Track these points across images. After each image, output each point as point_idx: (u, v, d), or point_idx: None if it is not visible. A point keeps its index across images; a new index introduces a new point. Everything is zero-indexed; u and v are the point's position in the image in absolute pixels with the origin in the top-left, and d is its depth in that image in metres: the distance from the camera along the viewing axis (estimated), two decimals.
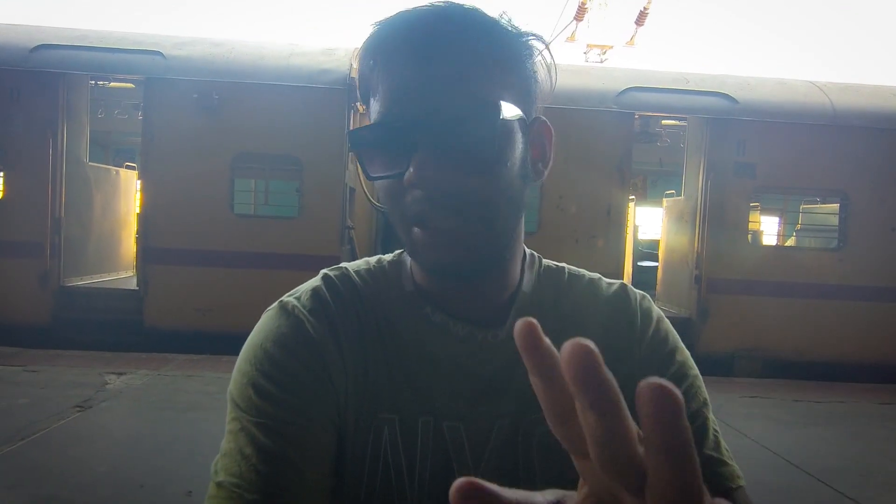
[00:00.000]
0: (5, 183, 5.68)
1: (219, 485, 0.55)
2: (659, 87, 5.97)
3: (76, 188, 5.92)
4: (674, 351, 0.66)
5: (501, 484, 0.70)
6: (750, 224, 6.19)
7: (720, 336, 5.71)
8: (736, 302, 5.75)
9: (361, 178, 5.89)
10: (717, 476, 0.61)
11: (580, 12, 13.86)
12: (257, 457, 0.55)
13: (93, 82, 6.87)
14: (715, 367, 5.38)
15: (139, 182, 6.12)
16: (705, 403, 0.65)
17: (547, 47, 0.63)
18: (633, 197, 8.85)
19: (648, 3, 13.58)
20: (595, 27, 14.44)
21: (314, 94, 5.43)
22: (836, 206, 6.27)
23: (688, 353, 0.68)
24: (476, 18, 0.58)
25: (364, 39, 0.59)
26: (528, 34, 0.61)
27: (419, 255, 0.59)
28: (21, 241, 5.45)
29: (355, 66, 5.64)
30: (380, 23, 0.59)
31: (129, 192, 7.41)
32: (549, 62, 0.63)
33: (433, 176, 0.54)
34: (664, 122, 8.53)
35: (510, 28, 0.60)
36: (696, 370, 0.67)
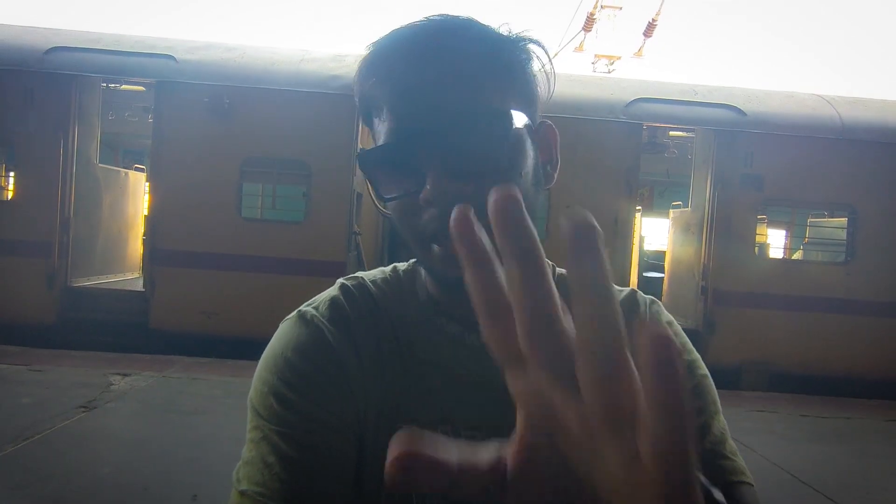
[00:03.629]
0: (16, 182, 5.73)
1: (242, 493, 0.56)
2: (667, 98, 5.97)
3: (85, 189, 5.96)
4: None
5: None
6: (757, 236, 6.16)
7: (726, 348, 5.67)
8: (742, 314, 5.72)
9: (373, 196, 5.92)
10: (717, 469, 0.60)
11: (588, 23, 13.91)
12: (280, 465, 0.55)
13: (104, 84, 6.94)
14: (721, 379, 5.22)
15: (148, 184, 6.16)
16: (713, 403, 0.65)
17: (544, 50, 0.62)
18: (640, 207, 8.83)
19: (657, 14, 13.61)
20: (603, 38, 14.48)
21: (324, 100, 5.46)
22: (843, 219, 6.23)
23: (697, 355, 0.68)
24: (473, 27, 0.58)
25: (361, 60, 0.58)
26: (525, 39, 0.60)
27: (437, 271, 0.58)
28: (30, 240, 5.48)
29: None
30: (376, 42, 0.58)
31: (138, 194, 7.46)
32: (546, 65, 0.62)
33: (450, 191, 0.52)
34: (672, 133, 8.53)
35: (508, 34, 0.60)
36: (704, 371, 0.67)
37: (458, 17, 0.58)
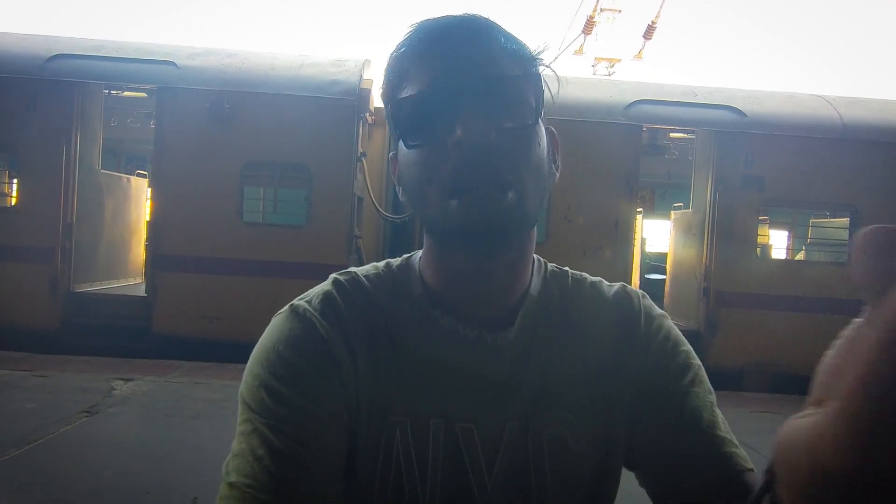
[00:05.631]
0: (19, 189, 5.75)
1: (231, 485, 0.56)
2: (667, 100, 5.97)
3: (88, 195, 5.98)
4: (677, 344, 0.69)
5: (512, 483, 0.70)
6: (758, 237, 6.15)
7: (729, 350, 5.66)
8: (745, 315, 5.71)
9: (370, 186, 5.92)
10: (734, 456, 0.63)
11: (588, 25, 13.94)
12: (270, 458, 0.55)
13: (106, 91, 6.96)
14: (724, 381, 5.31)
15: (150, 189, 6.18)
16: (710, 392, 0.67)
17: (557, 78, 0.66)
18: (641, 209, 8.83)
19: (656, 17, 13.64)
20: (603, 40, 14.52)
21: (324, 105, 5.48)
22: (845, 220, 6.23)
23: (688, 344, 0.71)
24: (505, 29, 0.62)
25: (403, 35, 0.61)
26: (542, 60, 0.64)
27: (452, 225, 0.58)
28: (32, 246, 5.50)
29: (365, 76, 5.72)
30: (418, 22, 0.61)
31: (140, 200, 7.48)
32: (552, 88, 0.66)
33: (479, 135, 0.55)
34: (672, 134, 8.52)
35: (529, 46, 0.63)
36: (698, 360, 0.70)
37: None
